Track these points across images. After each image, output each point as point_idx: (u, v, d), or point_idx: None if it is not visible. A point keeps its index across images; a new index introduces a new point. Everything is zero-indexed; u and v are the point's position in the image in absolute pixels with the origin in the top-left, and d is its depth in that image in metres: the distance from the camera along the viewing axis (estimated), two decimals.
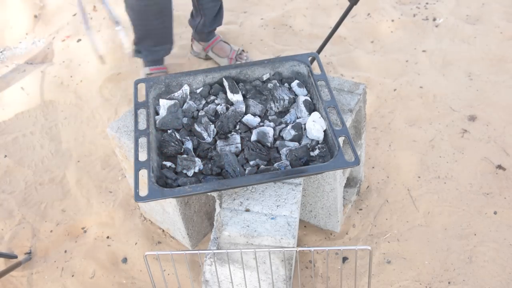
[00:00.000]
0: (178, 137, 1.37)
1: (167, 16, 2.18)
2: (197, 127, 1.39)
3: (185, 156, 1.32)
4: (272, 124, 1.41)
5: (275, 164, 1.29)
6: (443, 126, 2.10)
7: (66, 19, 2.97)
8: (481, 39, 2.53)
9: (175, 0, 2.99)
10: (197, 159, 1.32)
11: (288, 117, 1.42)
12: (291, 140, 1.35)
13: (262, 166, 1.27)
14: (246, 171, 1.27)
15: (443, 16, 2.70)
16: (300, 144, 1.33)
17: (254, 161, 1.30)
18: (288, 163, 1.28)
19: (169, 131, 1.39)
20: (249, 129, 1.41)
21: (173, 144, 1.34)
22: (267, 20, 2.82)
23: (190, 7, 2.36)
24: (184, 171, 1.29)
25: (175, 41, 2.34)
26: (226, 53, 2.49)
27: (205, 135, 1.39)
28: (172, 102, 1.45)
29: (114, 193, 1.97)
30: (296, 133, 1.35)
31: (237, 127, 1.41)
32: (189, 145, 1.36)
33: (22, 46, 2.87)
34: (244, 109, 1.45)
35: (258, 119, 1.42)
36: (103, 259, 1.76)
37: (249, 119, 1.41)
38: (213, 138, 1.40)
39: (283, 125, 1.40)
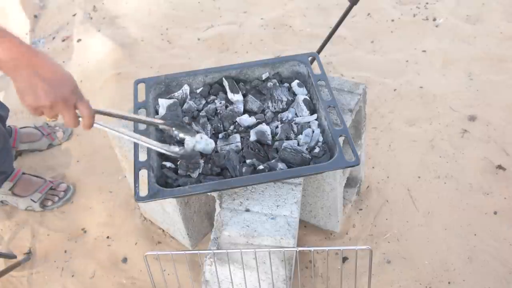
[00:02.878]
0: None
1: None
2: (194, 126, 1.38)
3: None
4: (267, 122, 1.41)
5: (269, 163, 1.28)
6: (443, 126, 2.10)
7: (66, 19, 2.97)
8: (481, 39, 2.53)
9: (175, 0, 3.00)
10: (201, 160, 1.32)
11: (285, 115, 1.42)
12: (287, 138, 1.35)
13: (259, 167, 1.27)
14: (243, 170, 1.27)
15: (443, 16, 2.70)
16: (299, 143, 1.33)
17: (250, 160, 1.30)
18: (283, 164, 1.28)
19: None
20: (247, 128, 1.41)
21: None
22: (267, 20, 2.82)
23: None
24: (189, 174, 1.29)
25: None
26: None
27: None
28: (171, 101, 1.45)
29: (114, 193, 1.97)
30: (287, 127, 1.35)
31: (234, 126, 1.41)
32: None
33: None
34: (242, 109, 1.44)
35: (253, 120, 1.41)
36: (103, 259, 1.76)
37: (242, 118, 1.41)
38: (210, 137, 1.39)
39: (278, 122, 1.40)
